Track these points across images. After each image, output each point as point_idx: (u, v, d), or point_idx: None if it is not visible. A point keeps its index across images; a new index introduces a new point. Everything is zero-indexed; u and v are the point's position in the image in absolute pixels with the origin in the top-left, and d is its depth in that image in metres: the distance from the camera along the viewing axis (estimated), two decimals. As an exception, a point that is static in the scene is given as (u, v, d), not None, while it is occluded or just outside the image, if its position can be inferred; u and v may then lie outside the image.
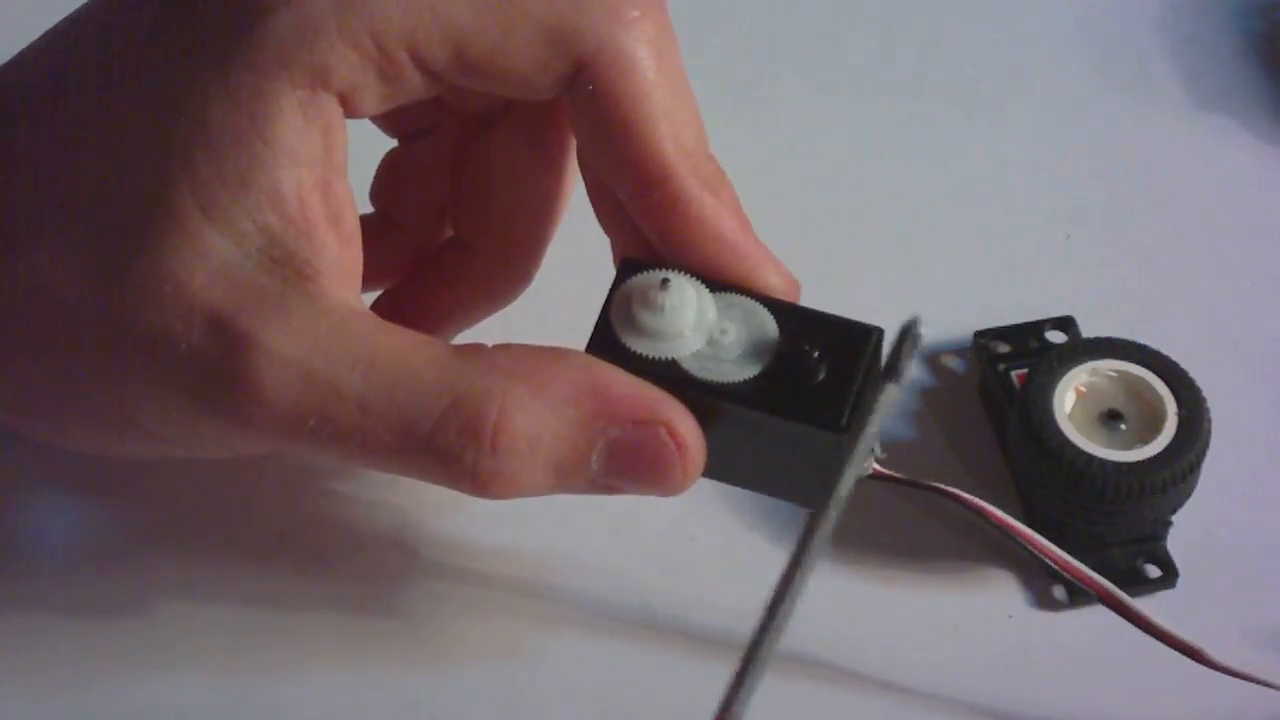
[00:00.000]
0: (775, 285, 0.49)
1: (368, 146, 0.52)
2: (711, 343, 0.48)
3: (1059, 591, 0.54)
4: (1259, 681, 0.50)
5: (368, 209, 0.55)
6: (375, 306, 0.55)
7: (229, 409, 0.46)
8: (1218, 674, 0.50)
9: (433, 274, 0.56)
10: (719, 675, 0.43)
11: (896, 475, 0.50)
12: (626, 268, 0.49)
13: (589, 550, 0.55)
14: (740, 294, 0.49)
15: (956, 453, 0.57)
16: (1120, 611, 0.50)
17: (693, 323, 0.48)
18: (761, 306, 0.49)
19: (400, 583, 0.54)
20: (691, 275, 0.48)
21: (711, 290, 0.49)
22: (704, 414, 0.48)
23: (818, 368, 0.47)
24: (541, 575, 0.54)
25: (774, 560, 0.54)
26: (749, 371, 0.48)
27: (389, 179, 0.56)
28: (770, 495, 0.50)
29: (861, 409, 0.47)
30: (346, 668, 0.53)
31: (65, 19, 0.51)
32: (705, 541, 0.55)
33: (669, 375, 0.48)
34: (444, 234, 0.56)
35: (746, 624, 0.44)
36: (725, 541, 0.55)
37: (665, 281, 0.48)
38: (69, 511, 0.56)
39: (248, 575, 0.54)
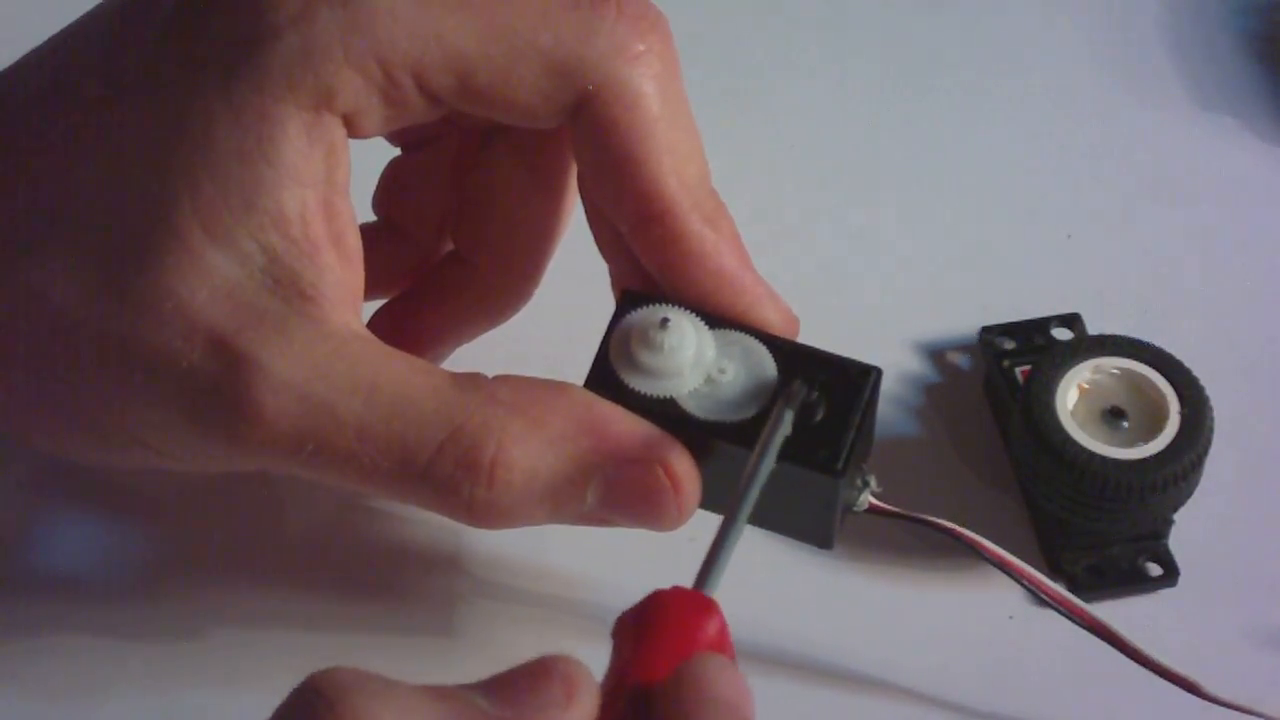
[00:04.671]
0: (774, 322, 0.49)
1: (370, 155, 0.52)
2: (710, 381, 0.48)
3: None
4: (1254, 713, 0.50)
5: (369, 217, 0.55)
6: (374, 319, 0.55)
7: (227, 429, 0.46)
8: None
9: (432, 288, 0.56)
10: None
11: (893, 509, 0.50)
12: (626, 301, 0.49)
13: (592, 553, 0.55)
14: (740, 331, 0.49)
15: (960, 449, 0.58)
16: (1117, 646, 0.51)
17: (691, 362, 0.48)
18: (760, 345, 0.49)
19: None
20: (691, 311, 0.49)
21: (711, 327, 0.49)
22: (701, 451, 0.48)
23: (815, 408, 0.48)
24: (559, 588, 0.55)
25: (773, 560, 0.54)
26: (747, 411, 0.48)
27: (391, 188, 0.56)
28: (767, 530, 0.50)
29: (859, 449, 0.48)
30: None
31: (68, 26, 0.51)
32: (705, 542, 0.55)
33: (667, 413, 0.48)
34: (445, 245, 0.56)
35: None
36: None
37: (665, 321, 0.48)
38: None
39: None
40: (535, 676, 0.40)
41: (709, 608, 0.43)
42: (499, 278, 0.55)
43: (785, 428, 0.47)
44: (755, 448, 0.46)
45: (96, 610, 0.54)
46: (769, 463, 0.46)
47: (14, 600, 0.54)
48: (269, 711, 0.40)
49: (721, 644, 0.43)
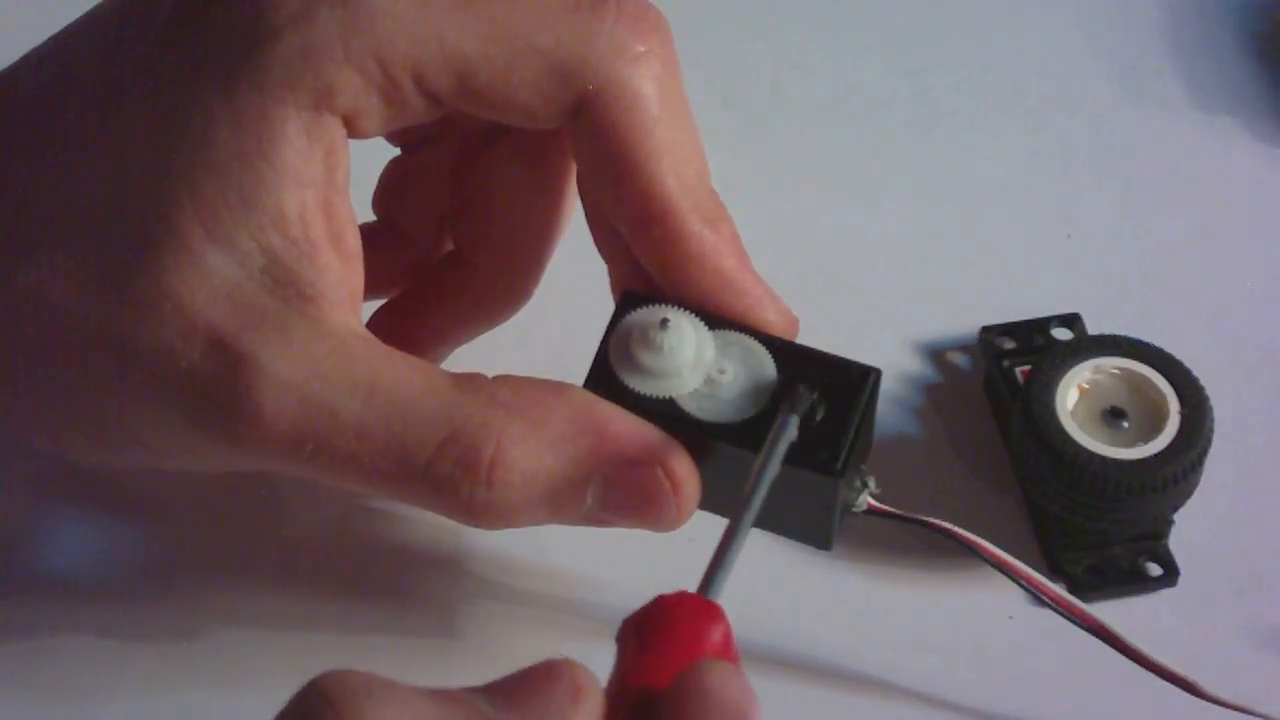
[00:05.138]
0: (774, 322, 0.50)
1: (370, 155, 0.52)
2: (709, 382, 0.48)
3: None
4: (1253, 713, 0.50)
5: (369, 217, 0.55)
6: (374, 319, 0.55)
7: (227, 429, 0.46)
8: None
9: (431, 288, 0.56)
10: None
11: (892, 510, 0.50)
12: (626, 301, 0.49)
13: (592, 554, 0.55)
14: (739, 331, 0.49)
15: (960, 449, 0.58)
16: (1116, 647, 0.51)
17: (690, 362, 0.48)
18: (760, 345, 0.49)
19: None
20: (690, 312, 0.49)
21: (710, 327, 0.49)
22: (701, 451, 0.48)
23: (815, 409, 0.48)
24: (560, 588, 0.55)
25: (772, 560, 0.54)
26: (747, 412, 0.48)
27: (391, 188, 0.56)
28: (766, 530, 0.50)
29: (859, 450, 0.48)
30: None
31: (68, 26, 0.51)
32: (705, 543, 0.55)
33: (666, 413, 0.48)
34: (445, 245, 0.56)
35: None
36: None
37: (664, 321, 0.48)
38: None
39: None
40: (540, 680, 0.40)
41: (714, 613, 0.43)
42: (499, 278, 0.55)
43: (791, 433, 0.47)
44: (760, 453, 0.46)
45: (97, 611, 0.54)
46: (774, 468, 0.46)
47: (15, 601, 0.54)
48: (269, 712, 0.40)
49: (726, 649, 0.43)
